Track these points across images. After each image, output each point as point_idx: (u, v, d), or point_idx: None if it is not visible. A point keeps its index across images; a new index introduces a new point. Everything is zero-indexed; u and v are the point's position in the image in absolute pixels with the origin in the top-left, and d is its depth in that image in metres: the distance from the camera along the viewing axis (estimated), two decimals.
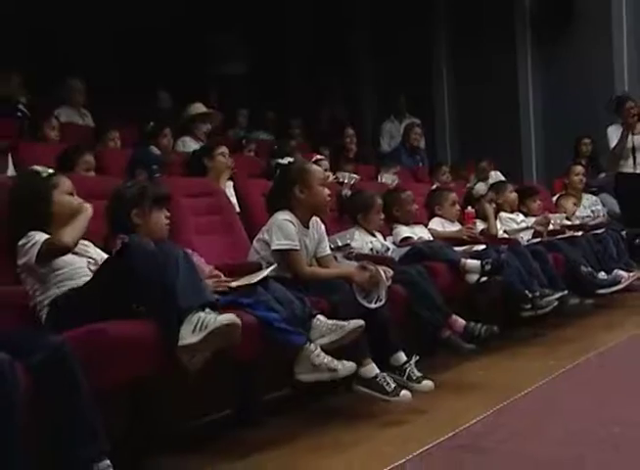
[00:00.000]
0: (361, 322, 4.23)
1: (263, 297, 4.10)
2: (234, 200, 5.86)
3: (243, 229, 5.41)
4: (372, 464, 3.61)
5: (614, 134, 9.68)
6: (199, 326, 3.41)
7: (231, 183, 6.27)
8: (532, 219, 8.18)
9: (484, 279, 5.90)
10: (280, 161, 5.24)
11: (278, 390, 4.77)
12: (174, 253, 3.64)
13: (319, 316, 4.20)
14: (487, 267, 5.89)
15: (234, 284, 4.21)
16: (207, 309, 3.49)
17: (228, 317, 3.45)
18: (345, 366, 4.09)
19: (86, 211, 3.89)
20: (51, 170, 3.97)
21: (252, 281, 4.20)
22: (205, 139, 8.34)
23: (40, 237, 3.69)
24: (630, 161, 9.61)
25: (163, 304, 3.49)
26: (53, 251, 3.69)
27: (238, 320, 3.48)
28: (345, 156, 9.69)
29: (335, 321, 4.21)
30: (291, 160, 5.18)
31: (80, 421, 3.06)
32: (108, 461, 3.11)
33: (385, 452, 3.79)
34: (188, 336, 3.41)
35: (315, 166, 5.05)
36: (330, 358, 4.06)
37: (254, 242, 4.89)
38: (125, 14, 11.17)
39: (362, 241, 5.85)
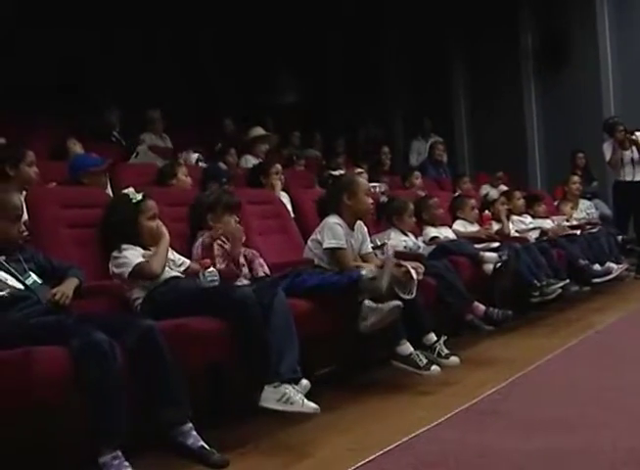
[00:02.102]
0: (398, 302, 4.20)
1: (310, 272, 4.11)
2: (289, 207, 5.83)
3: (297, 231, 5.39)
4: (409, 427, 3.56)
5: (607, 150, 9.61)
6: (284, 399, 3.36)
7: (284, 193, 6.24)
8: (539, 221, 8.17)
9: (501, 266, 5.89)
10: (333, 172, 5.21)
11: (326, 366, 4.76)
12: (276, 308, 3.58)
13: (364, 301, 4.16)
14: (504, 257, 5.91)
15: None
16: (296, 386, 3.42)
17: (312, 407, 3.38)
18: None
19: (165, 236, 3.92)
20: (140, 196, 3.97)
21: None
22: (264, 157, 8.31)
23: (132, 256, 3.75)
24: (622, 171, 9.52)
25: (260, 359, 3.45)
26: (144, 276, 3.74)
27: (318, 410, 3.39)
28: (381, 169, 9.67)
29: (376, 304, 4.17)
30: (342, 172, 5.15)
31: (167, 391, 3.08)
32: (190, 424, 3.14)
33: (419, 417, 3.77)
34: (272, 402, 3.38)
35: (362, 179, 5.05)
36: None
37: (309, 242, 4.87)
38: (196, 55, 11.24)
39: (397, 240, 5.82)
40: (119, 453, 2.84)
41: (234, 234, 4.32)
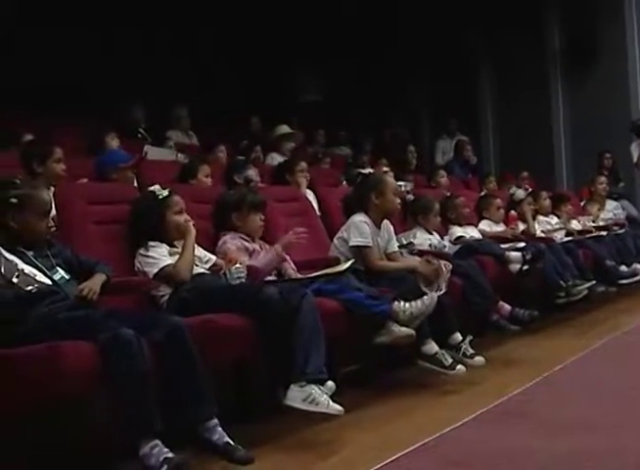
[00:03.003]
0: (435, 296, 4.21)
1: (346, 282, 4.08)
2: (315, 204, 5.82)
3: (323, 229, 5.38)
4: (434, 426, 3.54)
5: (635, 151, 9.57)
6: (309, 399, 3.37)
7: (309, 191, 6.24)
8: (563, 220, 8.12)
9: (526, 267, 5.87)
10: (362, 170, 5.21)
11: (352, 364, 4.76)
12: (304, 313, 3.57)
13: (396, 302, 4.15)
14: (528, 256, 5.89)
15: (318, 273, 4.22)
16: (322, 387, 3.43)
17: (337, 409, 3.38)
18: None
19: (191, 233, 3.92)
20: (166, 192, 3.99)
21: (335, 271, 4.20)
22: (290, 154, 8.31)
23: (160, 256, 3.79)
24: None
25: (283, 358, 3.46)
26: (170, 280, 3.75)
27: (342, 411, 3.40)
28: (407, 168, 9.67)
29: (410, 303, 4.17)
30: (371, 170, 5.15)
31: (194, 387, 3.08)
32: (216, 420, 3.13)
33: (444, 416, 3.76)
34: (297, 401, 3.39)
35: (390, 178, 5.03)
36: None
37: (335, 239, 4.88)
38: (223, 54, 11.26)
39: (423, 239, 5.81)
40: (158, 442, 2.85)
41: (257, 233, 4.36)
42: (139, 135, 8.07)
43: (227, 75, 11.30)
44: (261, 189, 5.08)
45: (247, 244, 4.33)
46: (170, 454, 2.83)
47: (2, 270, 2.89)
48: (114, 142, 6.17)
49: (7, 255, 3.15)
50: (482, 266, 5.55)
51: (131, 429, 2.85)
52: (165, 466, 2.79)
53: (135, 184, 5.13)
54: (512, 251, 6.05)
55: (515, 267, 5.88)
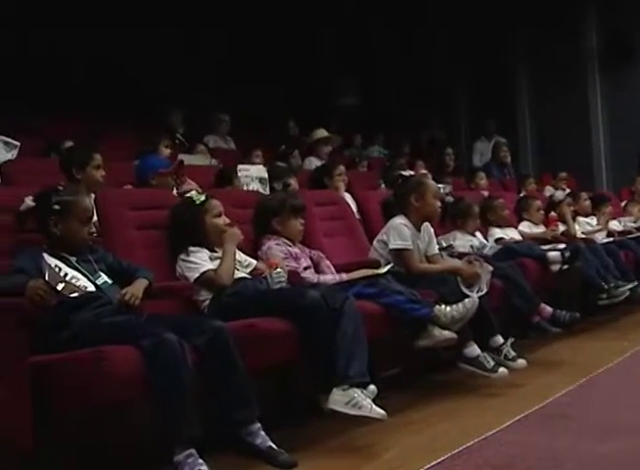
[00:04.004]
0: (476, 298, 4.21)
1: (386, 285, 4.07)
2: (354, 207, 5.82)
3: (363, 232, 5.37)
4: (478, 429, 3.54)
5: None
6: (352, 403, 3.37)
7: (347, 194, 6.23)
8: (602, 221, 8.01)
9: (565, 267, 5.82)
10: (403, 173, 5.19)
11: (393, 367, 4.74)
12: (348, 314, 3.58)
13: (437, 306, 4.14)
14: (567, 255, 5.85)
15: (357, 276, 4.22)
16: (364, 391, 3.42)
17: (380, 413, 3.37)
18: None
19: (233, 237, 3.93)
20: (203, 197, 4.01)
21: (374, 273, 4.20)
22: (327, 158, 8.31)
23: (200, 261, 3.80)
24: None
25: (326, 362, 3.46)
26: (212, 285, 3.77)
27: (385, 415, 3.39)
28: (445, 170, 9.63)
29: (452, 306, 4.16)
30: (412, 173, 5.13)
31: (236, 390, 3.09)
32: (258, 424, 3.15)
33: (488, 419, 3.75)
34: (340, 405, 3.39)
35: (431, 181, 5.00)
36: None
37: (374, 242, 4.87)
38: (260, 59, 11.30)
39: (464, 240, 5.81)
40: (193, 452, 2.86)
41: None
42: (176, 141, 8.12)
43: (264, 80, 11.33)
44: (301, 193, 5.07)
45: (290, 248, 4.34)
46: (205, 467, 2.85)
47: (46, 277, 2.91)
48: (166, 150, 6.19)
49: (51, 261, 3.18)
50: (523, 268, 5.51)
51: (169, 434, 2.87)
52: None
53: (174, 191, 5.16)
54: (551, 251, 6.01)
55: (555, 268, 5.83)
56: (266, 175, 6.24)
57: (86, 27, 9.19)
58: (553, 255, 5.90)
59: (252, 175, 6.16)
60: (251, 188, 5.97)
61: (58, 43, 8.99)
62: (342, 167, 6.53)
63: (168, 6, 10.13)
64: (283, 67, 11.64)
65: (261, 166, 6.53)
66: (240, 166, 6.11)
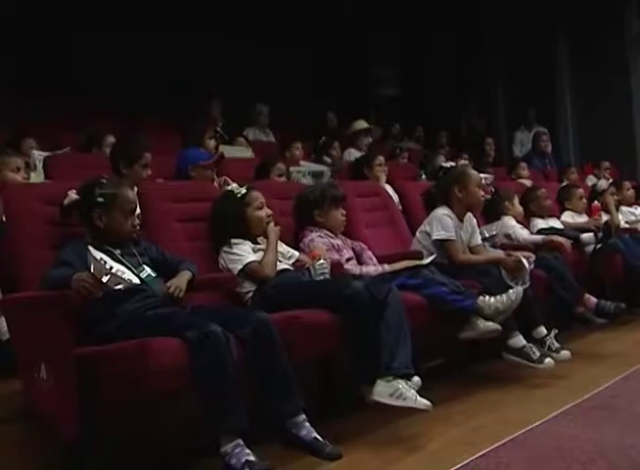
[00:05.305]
0: (520, 290, 4.19)
1: (429, 276, 4.05)
2: (395, 198, 5.80)
3: (405, 223, 5.35)
4: (523, 421, 3.52)
5: None
6: (397, 394, 3.37)
7: (388, 185, 6.22)
8: None
9: (599, 246, 6.01)
10: (444, 164, 5.17)
11: (437, 358, 4.73)
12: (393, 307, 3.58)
13: (480, 297, 4.11)
14: (600, 234, 6.01)
15: (399, 266, 4.21)
16: (408, 382, 3.43)
17: (425, 403, 3.37)
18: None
19: (273, 232, 3.95)
20: (244, 190, 4.02)
21: (416, 263, 4.18)
22: (367, 149, 8.29)
23: (243, 253, 3.83)
24: None
25: (370, 354, 3.46)
26: (255, 277, 3.78)
27: (430, 406, 3.38)
28: (485, 160, 9.57)
29: (496, 298, 4.14)
30: (453, 164, 5.10)
31: (281, 382, 3.10)
32: (303, 415, 3.17)
33: (533, 410, 3.73)
34: (385, 396, 3.39)
35: (474, 171, 4.96)
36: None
37: (417, 233, 4.85)
38: (298, 51, 11.31)
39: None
40: (241, 442, 2.87)
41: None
42: (217, 134, 8.12)
43: (303, 71, 11.33)
44: (342, 184, 5.06)
45: (332, 240, 4.34)
46: (252, 457, 2.85)
47: (92, 270, 2.92)
48: (211, 142, 6.22)
49: (96, 254, 3.20)
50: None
51: (216, 425, 2.87)
52: (248, 469, 2.81)
53: (216, 183, 5.16)
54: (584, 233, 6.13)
55: (590, 249, 5.97)
56: (319, 168, 6.26)
57: (127, 28, 9.28)
58: (586, 236, 6.00)
59: (304, 171, 6.17)
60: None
61: (101, 41, 9.07)
62: (381, 158, 6.51)
63: (208, 4, 10.15)
64: (321, 58, 11.64)
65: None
66: (292, 168, 6.11)
